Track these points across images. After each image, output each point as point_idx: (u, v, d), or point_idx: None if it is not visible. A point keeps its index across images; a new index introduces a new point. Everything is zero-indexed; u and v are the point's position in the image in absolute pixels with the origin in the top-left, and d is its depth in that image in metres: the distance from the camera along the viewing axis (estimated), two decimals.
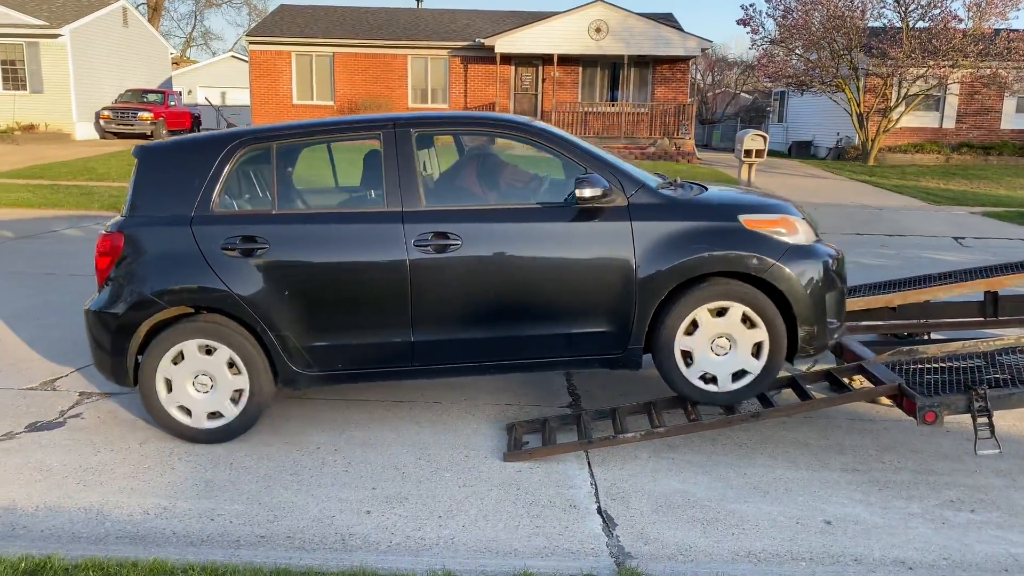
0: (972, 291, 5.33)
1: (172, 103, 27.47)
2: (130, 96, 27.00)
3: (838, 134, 27.64)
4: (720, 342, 4.21)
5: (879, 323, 5.50)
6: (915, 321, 5.51)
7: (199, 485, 3.87)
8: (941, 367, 4.19)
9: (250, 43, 26.50)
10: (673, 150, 24.62)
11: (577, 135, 24.67)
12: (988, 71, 24.05)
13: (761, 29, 25.46)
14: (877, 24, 24.95)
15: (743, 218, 4.23)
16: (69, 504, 3.68)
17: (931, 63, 22.87)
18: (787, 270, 4.16)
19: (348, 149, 5.05)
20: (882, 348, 4.93)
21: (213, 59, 52.06)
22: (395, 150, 4.30)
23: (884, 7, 24.14)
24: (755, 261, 4.14)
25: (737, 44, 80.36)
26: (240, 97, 45.10)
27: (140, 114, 25.32)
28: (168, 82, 33.64)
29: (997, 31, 23.58)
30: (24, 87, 25.56)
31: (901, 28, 23.84)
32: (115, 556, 3.21)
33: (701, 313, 4.19)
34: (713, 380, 4.26)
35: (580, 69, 26.27)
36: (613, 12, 24.69)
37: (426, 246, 4.18)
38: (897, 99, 24.23)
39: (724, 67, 47.47)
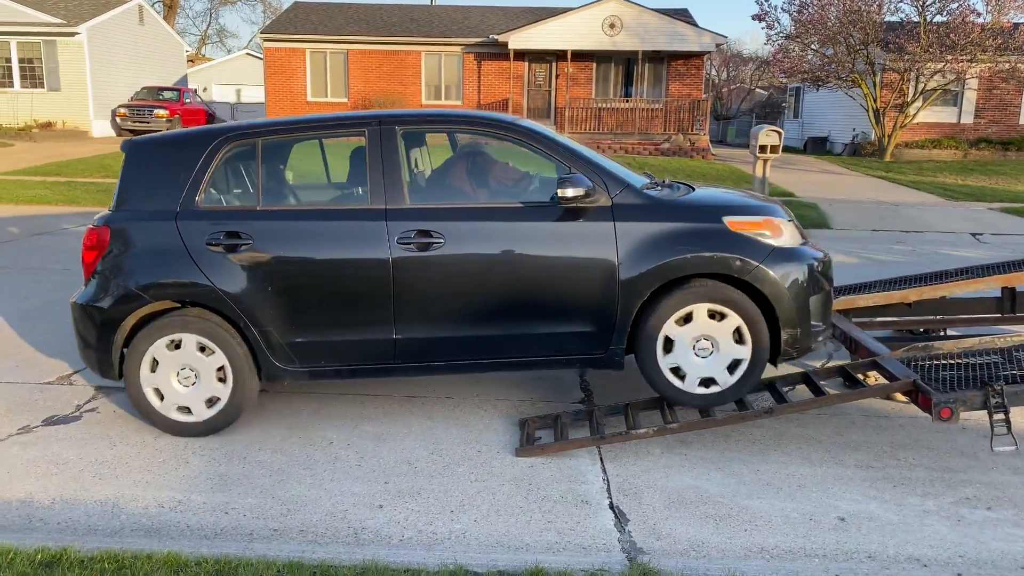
0: (989, 287, 5.28)
1: (188, 100, 27.61)
2: (146, 93, 27.15)
3: (854, 130, 27.43)
4: (703, 344, 4.20)
5: (894, 319, 5.45)
6: (931, 317, 5.46)
7: (213, 479, 3.90)
8: (957, 363, 4.15)
9: (265, 40, 26.60)
10: (687, 146, 24.51)
11: (591, 131, 24.69)
12: (1007, 65, 23.76)
13: (776, 24, 25.28)
14: (894, 18, 24.72)
15: (727, 220, 4.21)
16: (85, 497, 3.71)
17: (949, 58, 22.64)
18: (770, 272, 4.14)
19: (338, 145, 5.06)
20: (897, 344, 4.89)
21: (228, 56, 52.31)
22: (380, 147, 4.31)
23: (901, 1, 23.96)
24: (738, 263, 4.13)
25: (752, 39, 79.94)
26: (255, 94, 45.30)
27: (156, 111, 25.46)
28: (183, 79, 33.83)
29: (1016, 25, 23.32)
30: (42, 85, 25.76)
31: (918, 22, 23.61)
32: (130, 549, 3.24)
33: (683, 314, 4.17)
34: (695, 381, 4.24)
35: (594, 65, 26.19)
36: (627, 8, 24.60)
37: (409, 244, 4.19)
38: (914, 94, 24.01)
39: (739, 63, 47.19)
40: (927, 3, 23.28)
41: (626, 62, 26.17)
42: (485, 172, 4.65)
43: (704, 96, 26.63)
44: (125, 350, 4.31)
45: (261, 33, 26.89)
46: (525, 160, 4.59)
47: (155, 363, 4.27)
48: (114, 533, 3.42)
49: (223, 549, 3.28)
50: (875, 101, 24.35)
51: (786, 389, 4.42)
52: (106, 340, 4.27)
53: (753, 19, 25.32)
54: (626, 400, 4.64)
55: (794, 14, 24.58)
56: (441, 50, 26.27)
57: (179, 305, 4.32)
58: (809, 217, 12.97)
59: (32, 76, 25.76)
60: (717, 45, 26.17)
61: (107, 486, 3.81)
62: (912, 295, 5.28)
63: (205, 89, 45.61)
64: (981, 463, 4.15)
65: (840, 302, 5.30)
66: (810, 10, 23.98)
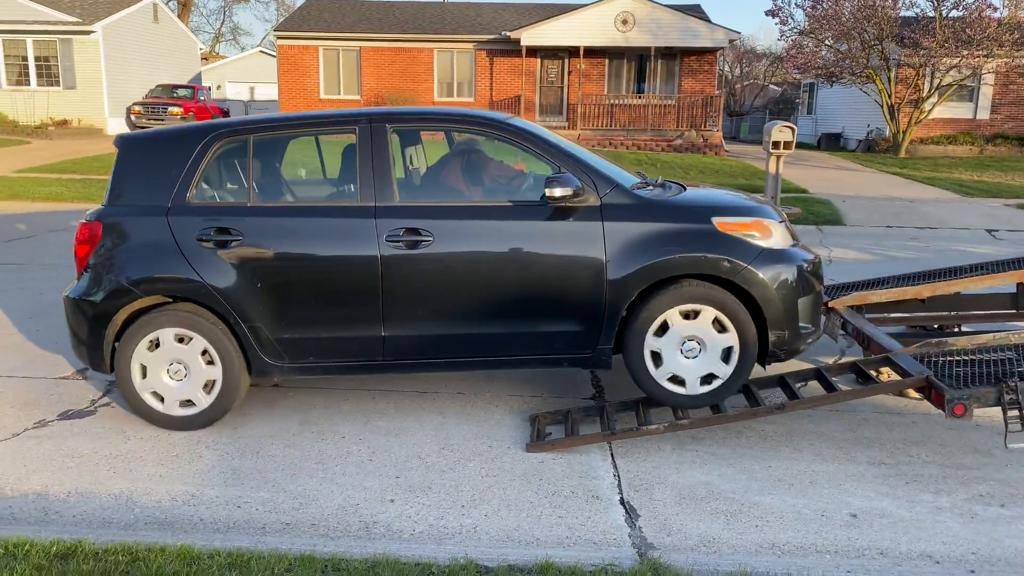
0: (1004, 283, 5.23)
1: (202, 98, 27.75)
2: (160, 91, 27.31)
3: (868, 126, 27.23)
4: (690, 344, 4.19)
5: (908, 315, 5.42)
6: (945, 313, 5.43)
7: (226, 473, 3.93)
8: (971, 359, 4.12)
9: (278, 38, 26.69)
10: (700, 142, 24.43)
11: (603, 127, 24.64)
12: None
13: (790, 20, 25.13)
14: (909, 13, 24.54)
15: (716, 220, 4.20)
16: (100, 490, 3.75)
17: (965, 53, 22.43)
18: (759, 274, 4.13)
19: (330, 143, 5.08)
20: (910, 340, 4.86)
21: (242, 54, 52.53)
22: (370, 145, 4.32)
23: None
24: (726, 264, 4.12)
25: (766, 35, 79.47)
26: (269, 92, 45.47)
27: (170, 109, 25.60)
28: (197, 77, 33.99)
29: None
30: (57, 83, 25.95)
31: (934, 17, 23.41)
32: (144, 541, 3.27)
33: (671, 315, 4.16)
34: (682, 382, 4.23)
35: (606, 61, 26.12)
36: (640, 3, 24.51)
37: (398, 242, 4.20)
38: (929, 90, 23.81)
39: (752, 59, 46.95)
40: None
41: (639, 58, 26.09)
42: (479, 170, 4.66)
43: (717, 92, 26.52)
44: (116, 344, 4.34)
45: (274, 31, 26.98)
46: (527, 159, 4.59)
47: (146, 357, 4.30)
48: (128, 526, 3.45)
49: (235, 542, 3.30)
50: (890, 97, 24.17)
51: (798, 385, 4.40)
52: (97, 334, 4.31)
53: (767, 15, 25.14)
54: (637, 396, 4.63)
55: (808, 9, 24.43)
56: (453, 47, 26.28)
57: (171, 300, 4.35)
58: (822, 214, 12.90)
59: (48, 74, 25.96)
60: (730, 41, 26.05)
61: (121, 480, 3.85)
62: (926, 291, 5.25)
63: (219, 87, 45.82)
64: (995, 460, 4.13)
65: (853, 298, 5.27)
66: (824, 5, 23.82)
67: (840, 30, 23.72)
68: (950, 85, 23.69)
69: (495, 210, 4.25)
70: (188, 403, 4.35)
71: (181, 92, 27.53)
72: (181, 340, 4.29)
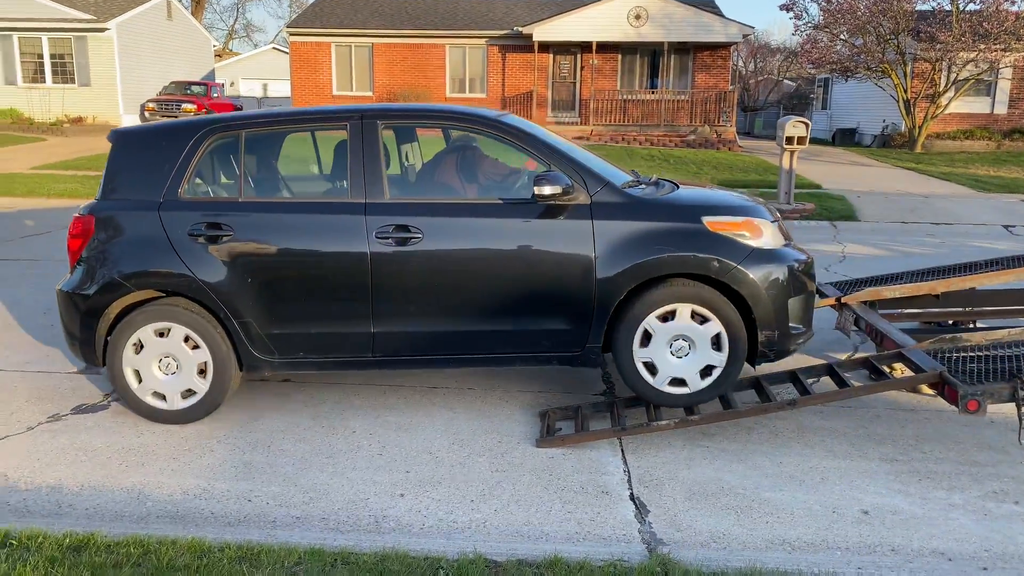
0: (1020, 279, 5.18)
1: (215, 95, 27.90)
2: (174, 88, 27.47)
3: (884, 121, 27.02)
4: (679, 344, 4.17)
5: (922, 311, 5.38)
6: (959, 309, 5.38)
7: (237, 467, 3.95)
8: (985, 355, 4.08)
9: (290, 35, 26.76)
10: (714, 138, 24.31)
11: (616, 123, 24.57)
12: None
13: (805, 14, 24.95)
14: (925, 7, 24.30)
15: (706, 220, 4.18)
16: (112, 484, 3.77)
17: (982, 47, 22.21)
18: (748, 274, 4.10)
19: (323, 139, 5.08)
20: (924, 336, 4.82)
21: (255, 51, 52.71)
22: (361, 141, 4.32)
23: None
24: (716, 264, 4.10)
25: (780, 30, 78.93)
26: (282, 89, 45.62)
27: (184, 106, 25.73)
28: (211, 74, 34.14)
29: None
30: (72, 80, 26.15)
31: (950, 11, 23.19)
32: (155, 534, 3.29)
33: (660, 314, 4.15)
34: (671, 381, 4.21)
35: (619, 56, 26.04)
36: None
37: (387, 238, 4.20)
38: (946, 84, 23.59)
39: (767, 53, 46.67)
40: None
41: (652, 53, 25.99)
42: (472, 168, 4.66)
43: (731, 87, 26.38)
44: (109, 338, 4.37)
45: (287, 27, 27.05)
46: (517, 157, 4.58)
47: (137, 350, 4.33)
48: (140, 519, 3.48)
49: (246, 535, 3.32)
50: (905, 91, 23.97)
51: (810, 381, 4.38)
52: (90, 327, 4.34)
53: (781, 9, 25.04)
54: None
55: (823, 3, 24.24)
56: (465, 43, 26.26)
57: (163, 294, 4.37)
58: (836, 209, 12.82)
59: (63, 72, 26.16)
60: (744, 36, 25.89)
61: (134, 473, 3.88)
62: (940, 286, 5.20)
63: (232, 84, 46.01)
64: (1009, 457, 4.09)
65: (866, 293, 5.23)
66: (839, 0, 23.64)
67: (855, 24, 23.54)
68: (967, 79, 23.45)
69: (485, 207, 4.25)
70: (181, 396, 4.37)
71: (195, 89, 27.67)
72: (173, 335, 4.31)
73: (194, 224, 4.26)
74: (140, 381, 4.36)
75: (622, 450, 4.15)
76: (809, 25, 25.27)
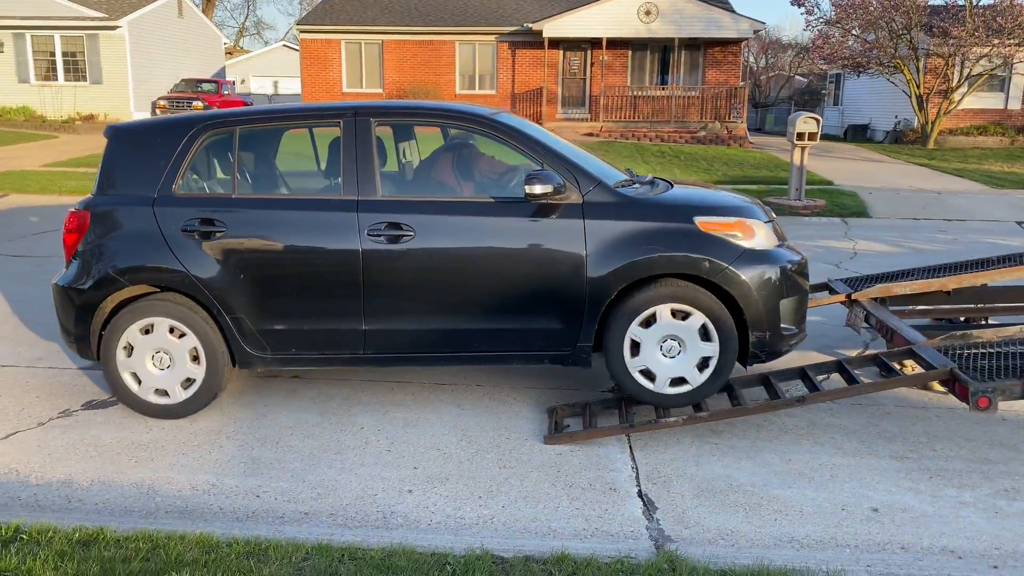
0: None
1: (226, 92, 27.95)
2: (184, 86, 27.55)
3: (896, 116, 26.83)
4: (670, 343, 4.15)
5: (933, 307, 5.34)
6: (971, 306, 5.33)
7: (246, 463, 3.96)
8: (997, 352, 4.05)
9: (301, 32, 26.79)
10: (724, 134, 24.21)
11: (626, 119, 24.50)
12: None
13: (816, 9, 24.88)
14: (938, 2, 24.11)
15: (698, 220, 4.16)
16: (122, 479, 3.79)
17: (996, 42, 22.00)
18: (740, 274, 4.08)
19: (317, 136, 5.08)
20: (935, 333, 4.78)
21: (265, 48, 52.83)
22: (354, 139, 4.32)
23: None
24: (707, 264, 4.08)
25: (791, 25, 78.55)
26: (292, 86, 45.72)
27: (195, 103, 25.82)
28: (221, 71, 34.25)
29: None
30: (84, 78, 26.27)
31: (963, 5, 23.00)
32: (164, 529, 3.31)
33: (651, 314, 4.13)
34: (665, 381, 4.19)
35: (629, 52, 25.95)
36: None
37: (379, 236, 4.20)
38: (959, 80, 23.40)
39: (778, 49, 46.42)
40: None
41: (662, 49, 25.90)
42: (468, 166, 4.65)
43: (741, 83, 26.26)
44: (103, 332, 4.39)
45: (297, 25, 27.09)
46: (510, 155, 4.57)
47: (131, 346, 4.35)
48: (149, 514, 3.50)
49: (254, 531, 3.33)
50: (918, 87, 23.80)
51: (819, 378, 4.36)
52: (84, 322, 4.37)
53: (792, 4, 24.85)
54: None
55: None
56: (475, 39, 26.24)
57: (157, 289, 4.39)
58: (848, 206, 12.75)
59: (75, 70, 26.28)
60: (755, 31, 25.77)
61: (143, 469, 3.90)
62: (951, 283, 5.17)
63: (243, 81, 46.15)
64: (1021, 455, 4.06)
65: (876, 290, 5.20)
66: None
67: (867, 19, 23.37)
68: (980, 75, 23.26)
69: (478, 206, 4.24)
70: (172, 391, 4.39)
71: (205, 87, 27.73)
72: (167, 330, 4.32)
73: (188, 220, 4.28)
74: (140, 383, 4.39)
75: (630, 447, 4.14)
76: (821, 20, 25.11)
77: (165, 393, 4.40)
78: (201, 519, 3.45)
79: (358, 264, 4.21)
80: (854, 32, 24.50)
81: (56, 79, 26.25)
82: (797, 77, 44.02)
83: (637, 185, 4.53)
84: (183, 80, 28.03)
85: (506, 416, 4.53)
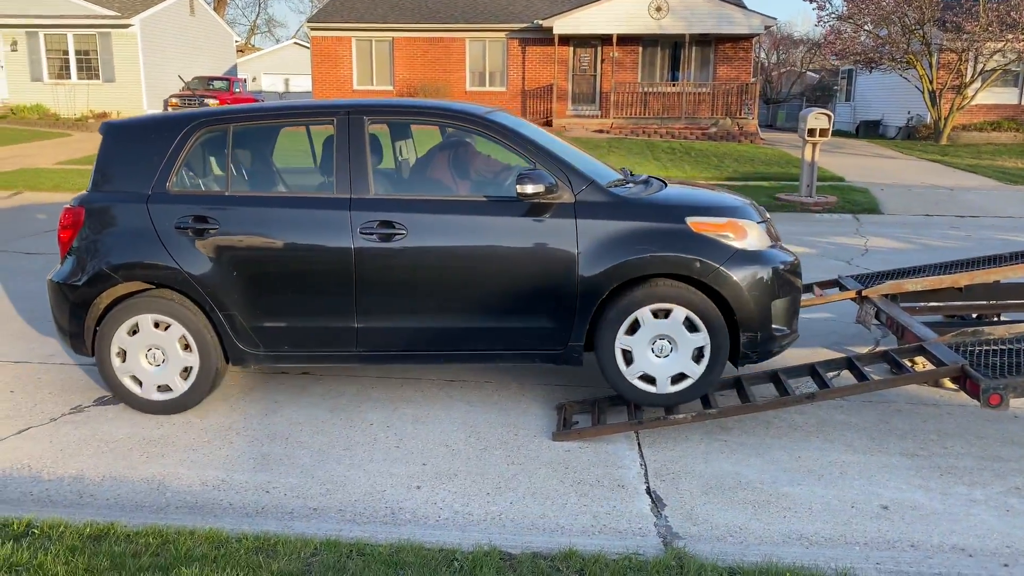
0: None
1: (237, 90, 28.04)
2: (197, 83, 27.66)
3: (908, 112, 26.65)
4: (661, 343, 4.14)
5: (945, 304, 5.31)
6: (983, 302, 5.30)
7: (256, 459, 3.98)
8: (1009, 349, 4.02)
9: (311, 30, 26.86)
10: (736, 130, 24.12)
11: (637, 116, 24.44)
12: None
13: (828, 5, 24.63)
14: None
15: (690, 220, 4.15)
16: (133, 475, 3.82)
17: (1009, 36, 21.81)
18: (731, 275, 4.07)
19: (317, 134, 5.08)
20: (947, 330, 4.76)
21: (276, 46, 52.98)
22: (347, 137, 4.32)
23: None
24: (698, 264, 4.07)
25: (803, 21, 78.15)
26: (303, 84, 45.83)
27: (206, 101, 25.92)
28: (233, 69, 34.36)
29: None
30: (97, 76, 26.42)
31: (977, 0, 22.82)
32: (174, 525, 3.33)
33: (643, 314, 4.12)
34: (653, 381, 4.18)
35: (640, 49, 25.87)
36: None
37: (371, 234, 4.20)
38: (972, 75, 23.21)
39: (789, 45, 46.19)
40: None
41: (673, 45, 25.81)
42: (462, 165, 4.65)
43: (753, 80, 26.15)
44: (98, 329, 4.41)
45: (308, 22, 27.15)
46: (504, 155, 4.56)
47: (125, 341, 4.37)
48: (159, 510, 3.52)
49: (263, 527, 3.35)
50: (931, 83, 23.63)
51: (829, 375, 4.34)
52: (79, 318, 4.39)
53: (804, 0, 24.71)
54: None
55: None
56: (485, 36, 26.22)
57: (152, 286, 4.41)
58: (860, 202, 12.68)
59: (88, 68, 26.44)
60: (766, 27, 25.64)
61: (154, 464, 3.92)
62: (963, 279, 5.13)
63: (254, 79, 46.30)
64: None
65: (887, 286, 5.17)
66: None
67: (880, 15, 23.21)
68: (994, 70, 23.05)
69: (471, 205, 4.24)
70: (165, 388, 4.42)
71: (217, 84, 27.83)
72: (160, 327, 4.35)
73: (181, 217, 4.30)
74: (140, 385, 4.42)
75: (639, 444, 4.14)
76: (833, 16, 24.94)
77: (168, 388, 4.43)
78: (211, 514, 3.47)
79: (350, 262, 4.22)
80: (866, 27, 24.33)
81: (69, 77, 26.41)
82: (809, 73, 43.79)
83: (631, 185, 4.52)
84: (195, 78, 28.12)
85: (515, 413, 4.53)
